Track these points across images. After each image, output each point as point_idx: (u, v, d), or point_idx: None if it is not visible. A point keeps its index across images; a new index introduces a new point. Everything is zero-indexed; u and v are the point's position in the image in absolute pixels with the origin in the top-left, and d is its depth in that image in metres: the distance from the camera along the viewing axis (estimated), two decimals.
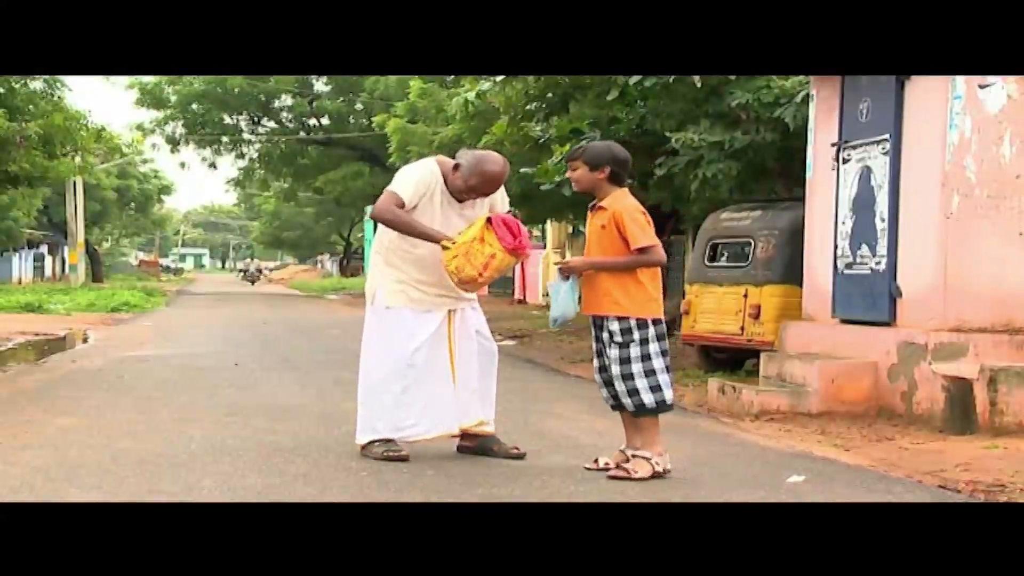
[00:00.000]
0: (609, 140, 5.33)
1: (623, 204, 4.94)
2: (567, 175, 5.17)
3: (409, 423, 5.20)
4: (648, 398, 4.88)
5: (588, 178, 4.99)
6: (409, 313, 5.21)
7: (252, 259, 59.25)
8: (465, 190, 5.21)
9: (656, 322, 4.95)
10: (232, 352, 11.53)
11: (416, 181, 5.19)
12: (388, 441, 5.20)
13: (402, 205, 5.14)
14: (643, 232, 4.89)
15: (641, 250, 4.88)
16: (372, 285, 5.39)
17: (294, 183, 38.90)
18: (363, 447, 5.26)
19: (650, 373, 4.89)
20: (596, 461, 5.11)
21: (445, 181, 5.23)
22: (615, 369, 4.92)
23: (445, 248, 5.07)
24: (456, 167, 5.20)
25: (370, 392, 5.26)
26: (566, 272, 5.07)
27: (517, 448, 5.39)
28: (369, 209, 31.29)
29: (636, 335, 4.89)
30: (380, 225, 5.37)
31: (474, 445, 5.40)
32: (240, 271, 57.31)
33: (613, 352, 4.93)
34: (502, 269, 5.16)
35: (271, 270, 70.37)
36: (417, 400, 5.18)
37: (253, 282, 50.97)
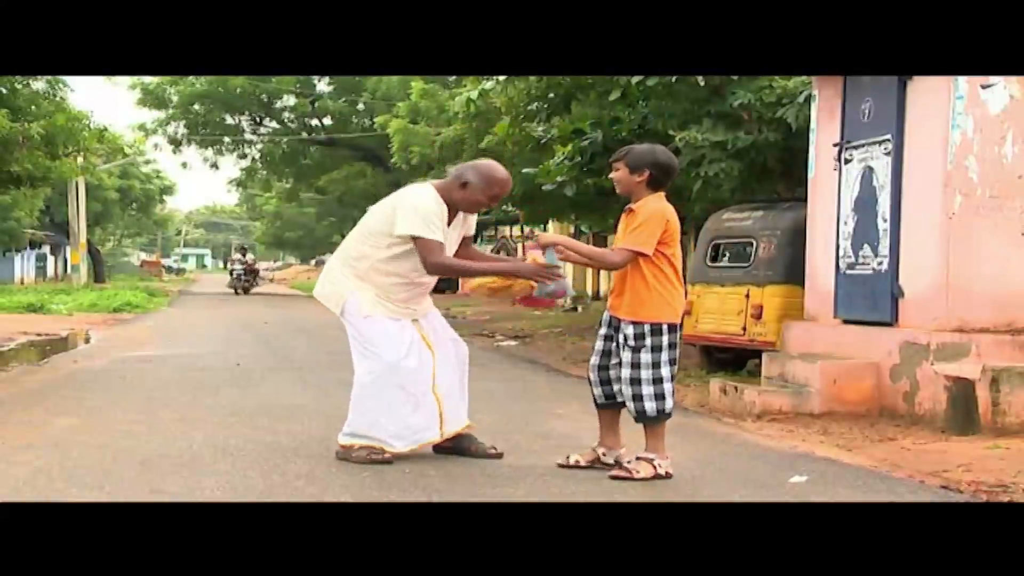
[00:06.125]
0: (655, 144, 5.32)
1: (652, 208, 4.93)
2: (610, 176, 5.18)
3: (423, 429, 5.17)
4: (651, 405, 4.90)
5: (627, 180, 4.99)
6: (389, 321, 5.16)
7: (244, 252, 34.67)
8: (487, 201, 5.22)
9: (671, 329, 4.96)
10: (234, 352, 11.53)
11: (436, 216, 5.10)
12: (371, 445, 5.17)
13: (444, 248, 5.13)
14: (642, 236, 4.88)
15: (624, 249, 4.92)
16: (339, 295, 5.23)
17: (296, 183, 38.96)
18: (344, 447, 5.21)
19: (657, 381, 4.91)
20: (568, 458, 5.15)
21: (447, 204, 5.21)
22: (625, 372, 4.94)
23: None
24: (464, 185, 5.14)
25: (364, 397, 5.16)
26: (542, 245, 5.14)
27: (494, 448, 5.37)
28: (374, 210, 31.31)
29: (649, 341, 4.91)
30: (352, 237, 5.31)
31: (451, 445, 5.35)
32: (229, 271, 36.08)
33: (626, 355, 4.95)
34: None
35: (271, 270, 64.27)
36: (407, 411, 5.13)
37: (247, 290, 33.05)
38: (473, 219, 5.46)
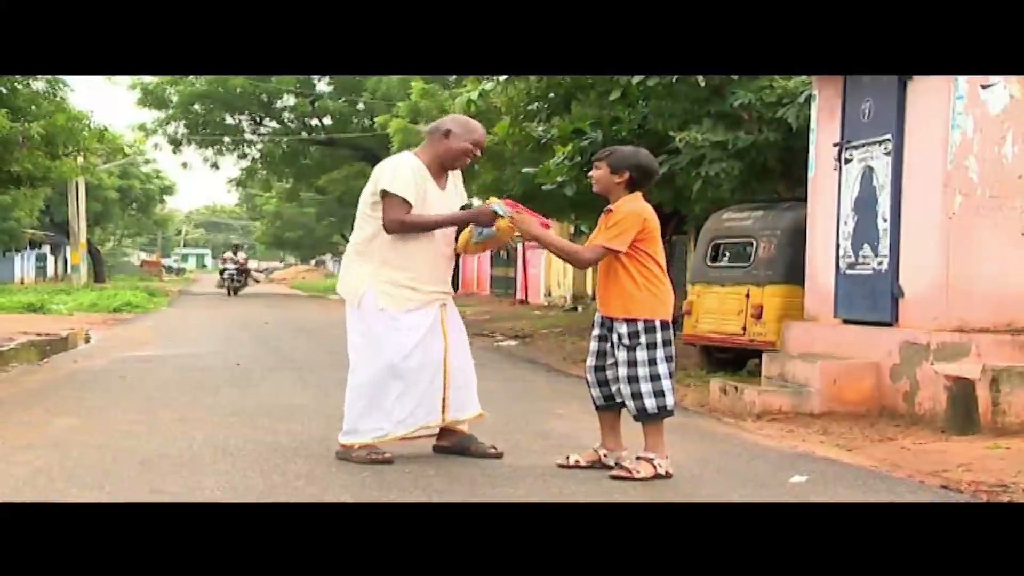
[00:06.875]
0: (639, 147, 5.33)
1: (629, 207, 4.97)
2: (590, 173, 5.20)
3: (400, 423, 5.16)
4: (651, 403, 4.90)
5: (606, 180, 5.03)
6: (402, 315, 5.15)
7: (236, 251, 32.83)
8: (472, 149, 5.28)
9: (664, 326, 4.97)
10: (234, 352, 11.54)
11: (411, 176, 5.15)
12: (371, 444, 5.18)
13: (410, 207, 5.13)
14: (615, 233, 4.92)
15: (598, 245, 4.97)
16: (356, 286, 5.24)
17: (296, 183, 38.92)
18: (344, 446, 5.22)
19: (655, 378, 4.91)
20: (568, 458, 5.15)
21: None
22: (621, 371, 4.95)
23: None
24: (448, 134, 5.24)
25: (360, 394, 5.18)
26: (517, 222, 5.10)
27: (495, 448, 5.37)
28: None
29: (643, 339, 4.92)
30: (363, 223, 5.31)
31: (451, 444, 5.37)
32: (220, 271, 34.22)
33: (621, 355, 4.95)
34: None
35: (268, 271, 63.25)
36: (409, 402, 5.15)
37: (236, 291, 31.44)
38: (459, 184, 5.47)
